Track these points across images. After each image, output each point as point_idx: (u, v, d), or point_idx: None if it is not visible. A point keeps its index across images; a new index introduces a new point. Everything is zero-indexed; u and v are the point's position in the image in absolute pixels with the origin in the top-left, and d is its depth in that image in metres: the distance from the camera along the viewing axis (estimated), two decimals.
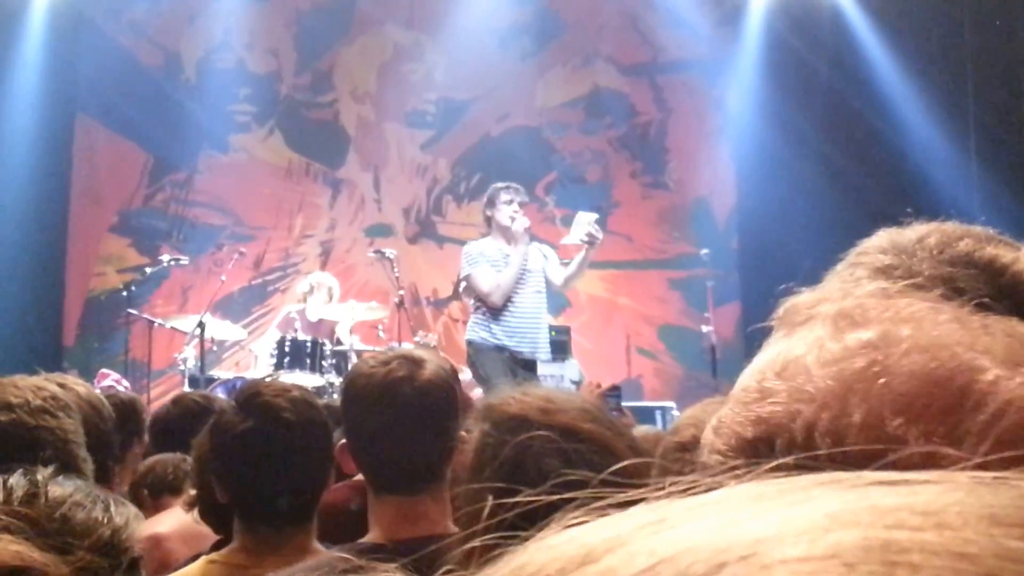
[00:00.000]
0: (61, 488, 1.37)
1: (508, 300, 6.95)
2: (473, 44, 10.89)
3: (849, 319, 0.75)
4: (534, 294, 7.06)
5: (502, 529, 0.47)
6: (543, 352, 7.13)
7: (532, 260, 7.08)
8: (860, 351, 0.71)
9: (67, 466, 1.95)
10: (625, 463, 1.72)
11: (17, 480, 1.34)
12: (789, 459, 0.64)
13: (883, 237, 1.12)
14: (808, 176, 10.35)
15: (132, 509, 1.46)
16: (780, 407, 0.72)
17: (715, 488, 0.36)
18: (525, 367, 6.93)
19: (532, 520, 0.43)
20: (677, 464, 1.96)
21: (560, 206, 11.13)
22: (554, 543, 0.35)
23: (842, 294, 0.84)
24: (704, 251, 9.45)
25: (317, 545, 2.51)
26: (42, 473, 1.38)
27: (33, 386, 2.31)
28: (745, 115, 10.96)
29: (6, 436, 2.14)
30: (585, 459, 1.61)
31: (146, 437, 3.93)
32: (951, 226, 1.08)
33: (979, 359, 0.69)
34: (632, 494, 0.38)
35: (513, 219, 6.92)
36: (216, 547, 2.63)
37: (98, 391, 2.91)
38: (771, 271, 9.64)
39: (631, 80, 11.37)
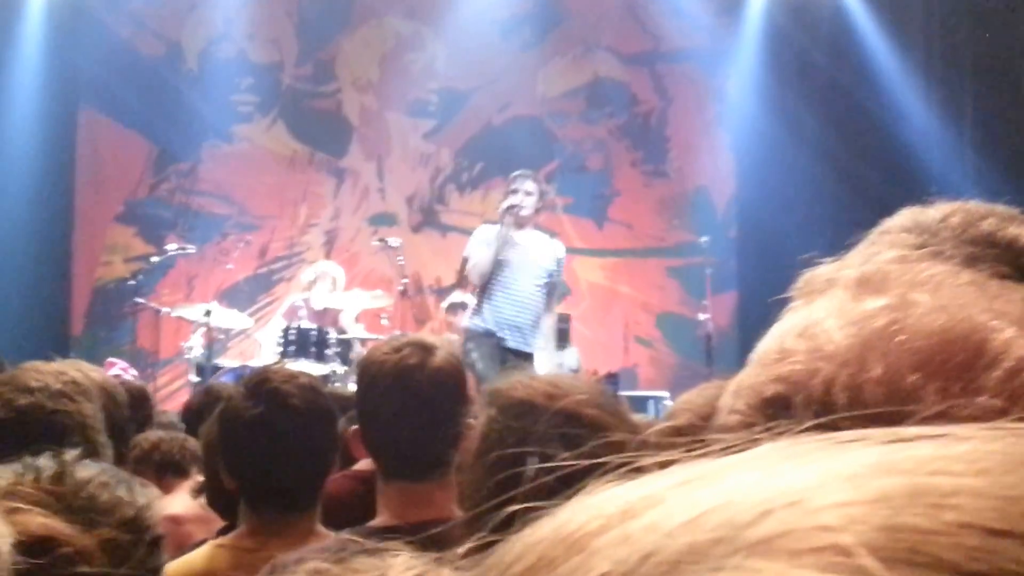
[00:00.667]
0: (87, 469, 1.42)
1: (504, 288, 6.94)
2: (474, 34, 10.92)
3: (869, 284, 0.77)
4: (533, 286, 7.02)
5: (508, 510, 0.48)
6: (532, 345, 7.04)
7: (537, 252, 7.06)
8: (879, 312, 0.73)
9: (86, 450, 2.01)
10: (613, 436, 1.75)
11: (46, 461, 1.40)
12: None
13: (906, 216, 1.12)
14: (807, 165, 10.40)
15: (154, 491, 1.54)
16: (800, 366, 0.74)
17: (748, 448, 0.36)
18: (517, 356, 6.87)
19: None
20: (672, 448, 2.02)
21: (562, 194, 11.18)
22: (594, 502, 0.35)
23: (862, 261, 0.86)
24: (704, 238, 9.49)
25: (321, 529, 2.54)
26: (69, 455, 1.44)
27: (55, 371, 2.34)
28: (745, 104, 10.99)
29: (26, 419, 2.18)
30: (586, 445, 1.66)
31: (154, 426, 3.97)
32: (975, 205, 1.07)
33: (995, 320, 0.71)
34: (664, 457, 0.39)
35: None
36: (223, 533, 2.67)
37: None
38: (769, 260, 9.69)
39: (632, 69, 11.41)
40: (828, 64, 10.55)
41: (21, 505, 1.30)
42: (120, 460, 2.53)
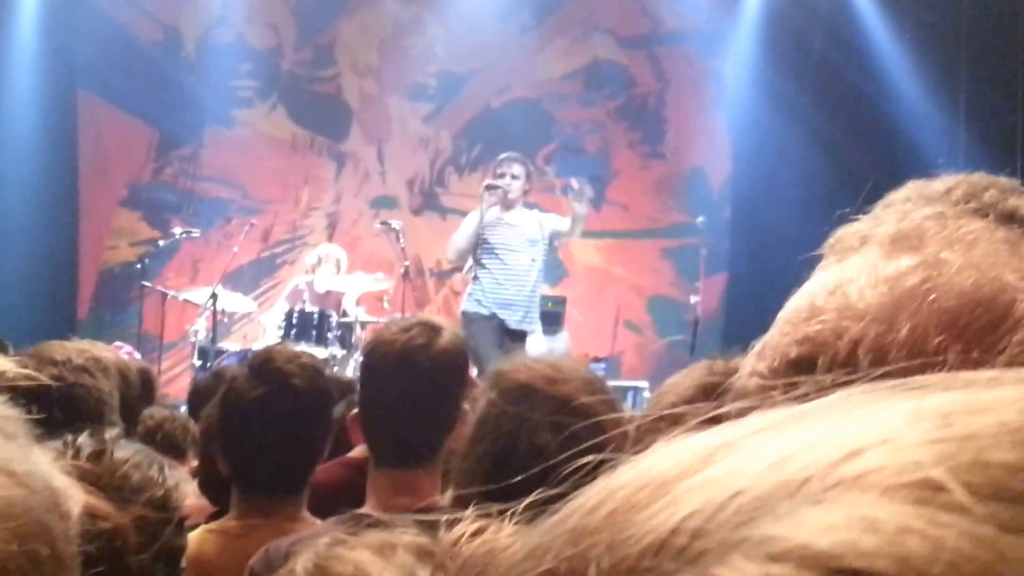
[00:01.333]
0: (124, 450, 1.47)
1: (498, 268, 7.09)
2: (473, 18, 10.97)
3: (905, 241, 0.76)
4: (528, 262, 7.16)
5: (497, 499, 0.48)
6: (532, 324, 7.20)
7: (528, 228, 7.18)
8: (913, 270, 0.72)
9: (98, 425, 2.11)
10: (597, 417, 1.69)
11: (85, 440, 1.44)
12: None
13: (910, 188, 1.12)
14: (802, 147, 10.42)
15: (182, 472, 1.59)
16: (827, 325, 0.73)
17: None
18: (514, 338, 7.03)
19: (527, 491, 0.44)
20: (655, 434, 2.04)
21: (560, 176, 11.20)
22: (669, 451, 0.35)
23: (898, 218, 0.85)
24: (701, 218, 9.52)
25: (308, 515, 2.59)
26: (108, 434, 1.49)
27: (78, 348, 2.43)
28: (742, 86, 11.02)
29: (45, 390, 2.22)
30: (575, 434, 1.65)
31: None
32: (978, 177, 1.07)
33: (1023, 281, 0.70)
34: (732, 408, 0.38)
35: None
36: (213, 518, 2.71)
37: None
38: (761, 242, 9.79)
39: (630, 52, 11.44)
40: (825, 47, 10.55)
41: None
42: (128, 438, 2.59)
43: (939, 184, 1.01)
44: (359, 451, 2.99)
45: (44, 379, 2.08)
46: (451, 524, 0.48)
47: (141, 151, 10.90)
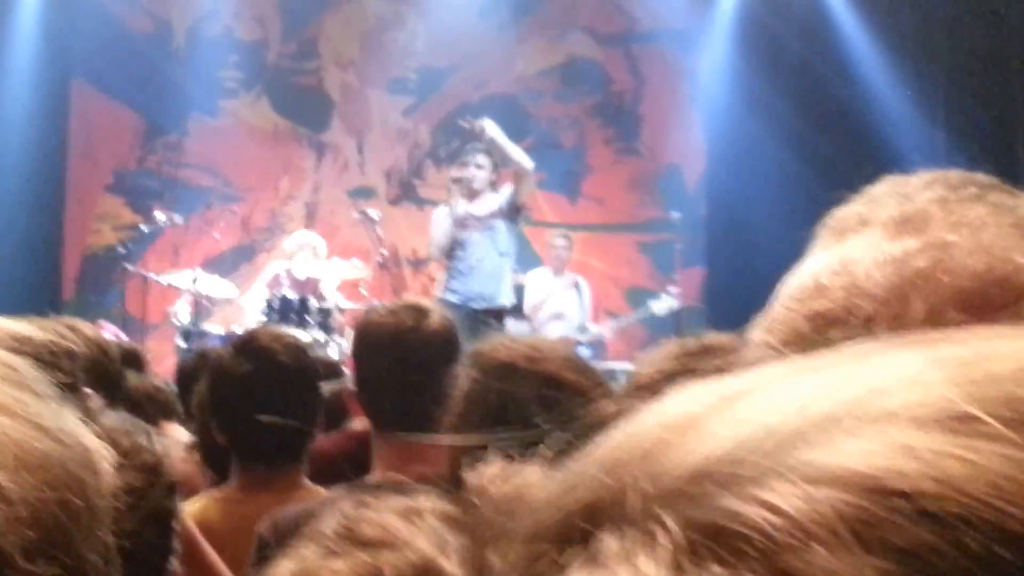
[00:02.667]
0: (109, 418, 1.50)
1: (467, 262, 7.22)
2: (453, 14, 11.11)
3: (909, 223, 0.76)
4: (497, 256, 7.29)
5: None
6: (506, 298, 7.33)
7: (493, 212, 7.30)
8: (921, 252, 0.72)
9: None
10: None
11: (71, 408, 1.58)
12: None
13: (887, 183, 1.09)
14: (777, 145, 10.51)
15: (170, 440, 1.68)
16: (837, 303, 0.72)
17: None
18: (493, 316, 7.15)
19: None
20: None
21: (535, 170, 11.33)
22: (687, 396, 0.36)
23: (900, 200, 0.83)
24: (676, 214, 9.61)
25: (307, 482, 2.64)
26: (93, 402, 1.59)
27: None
28: (717, 84, 11.10)
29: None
30: (564, 408, 1.52)
31: None
32: (955, 173, 1.05)
33: None
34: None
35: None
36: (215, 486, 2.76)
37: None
38: (737, 237, 9.89)
39: (606, 50, 11.56)
40: (799, 45, 10.62)
41: None
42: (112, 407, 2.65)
43: (916, 180, 0.99)
44: (360, 424, 3.04)
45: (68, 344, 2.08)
46: (473, 468, 0.49)
47: (128, 139, 11.04)
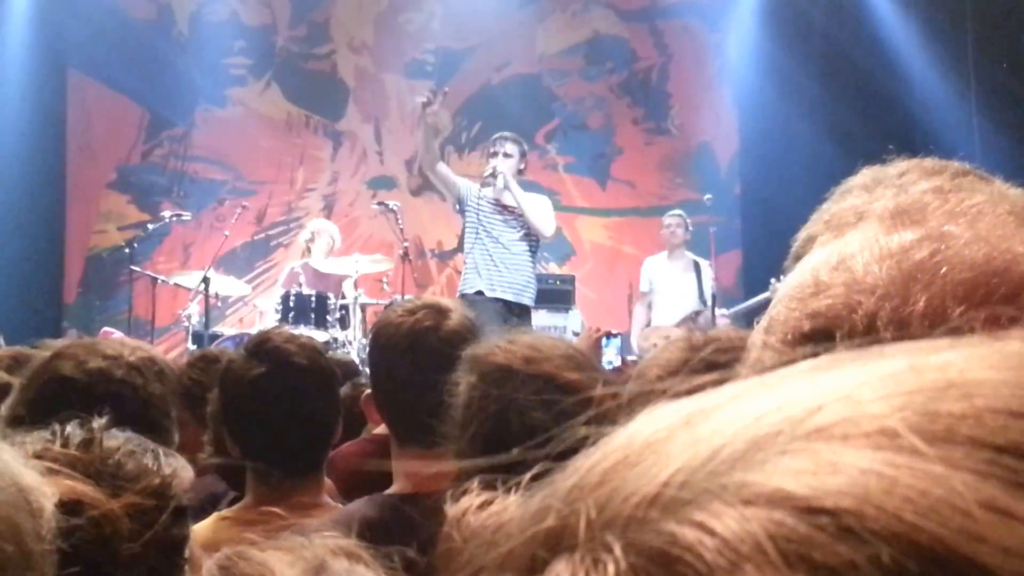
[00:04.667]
0: (114, 438, 1.43)
1: (493, 251, 6.98)
2: None
3: (906, 215, 0.77)
4: (520, 240, 7.03)
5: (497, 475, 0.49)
6: (528, 298, 7.08)
7: (529, 203, 7.03)
8: (919, 244, 0.73)
9: (149, 427, 2.01)
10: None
11: (74, 429, 1.41)
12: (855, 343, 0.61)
13: (866, 174, 1.14)
14: (808, 119, 10.27)
15: (181, 461, 1.51)
16: (838, 300, 0.73)
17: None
18: (517, 313, 6.93)
19: (524, 467, 0.45)
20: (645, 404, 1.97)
21: (562, 153, 11.12)
22: (653, 418, 0.37)
23: (896, 192, 0.86)
24: (707, 196, 9.34)
25: (328, 500, 2.53)
26: (97, 423, 1.44)
27: (133, 345, 2.38)
28: (746, 59, 10.88)
29: (91, 383, 2.20)
30: (566, 410, 1.58)
31: None
32: (930, 162, 1.10)
33: None
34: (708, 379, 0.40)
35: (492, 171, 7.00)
36: (231, 505, 2.62)
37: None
38: (772, 217, 9.61)
39: (631, 25, 11.32)
40: (828, 18, 10.41)
41: (51, 466, 1.31)
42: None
43: (892, 169, 1.04)
44: (383, 428, 2.94)
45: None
46: (456, 498, 0.50)
47: (130, 132, 10.71)
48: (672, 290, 8.72)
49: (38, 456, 1.33)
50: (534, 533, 0.36)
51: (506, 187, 6.90)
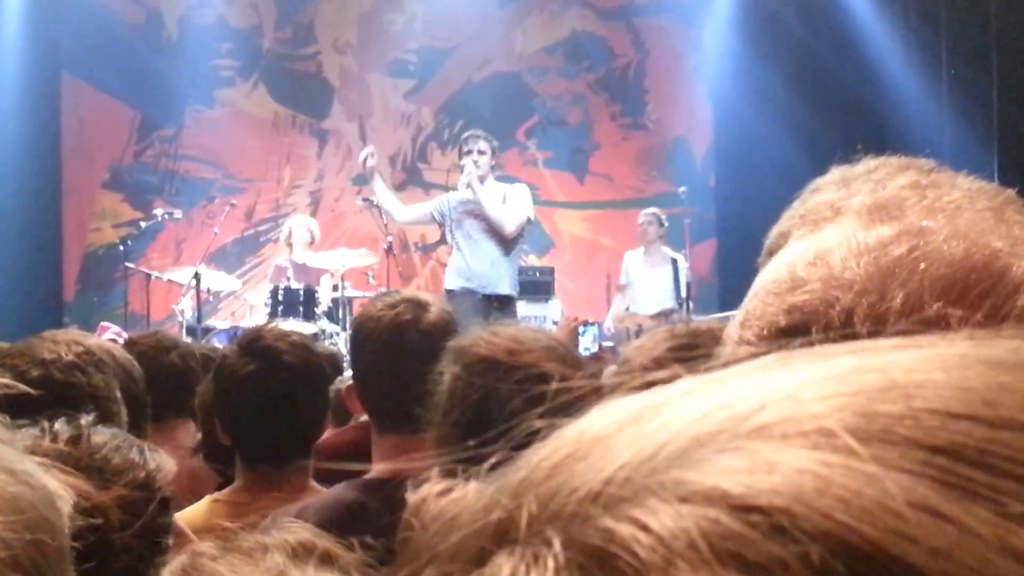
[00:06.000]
0: (101, 434, 1.48)
1: (470, 245, 7.13)
2: None
3: (883, 210, 0.75)
4: (491, 234, 7.15)
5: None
6: (508, 288, 7.21)
7: (491, 203, 7.14)
8: (897, 239, 0.72)
9: (98, 418, 2.02)
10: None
11: (61, 426, 1.45)
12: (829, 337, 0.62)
13: (835, 173, 1.11)
14: (781, 114, 10.37)
15: (163, 455, 1.57)
16: (814, 295, 0.72)
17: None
18: (499, 305, 7.06)
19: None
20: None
21: (541, 149, 11.22)
22: (606, 412, 0.37)
23: (873, 188, 0.84)
24: (682, 189, 9.47)
25: (314, 484, 2.58)
26: (85, 420, 1.49)
27: (68, 341, 2.34)
28: (721, 54, 10.97)
29: (38, 390, 2.19)
30: (545, 399, 1.62)
31: None
32: (896, 159, 1.08)
33: (1015, 246, 0.70)
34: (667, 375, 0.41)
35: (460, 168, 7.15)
36: (219, 489, 2.69)
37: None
38: (747, 207, 9.73)
39: (608, 24, 11.41)
40: (800, 13, 10.50)
41: (43, 461, 1.36)
42: (139, 433, 2.52)
43: (860, 167, 1.02)
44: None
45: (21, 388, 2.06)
46: (418, 486, 0.49)
47: (123, 133, 10.81)
48: (647, 284, 8.91)
49: (30, 452, 1.35)
50: (482, 525, 0.36)
51: (469, 186, 7.05)
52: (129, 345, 3.30)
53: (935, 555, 0.30)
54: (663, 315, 8.44)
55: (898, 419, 0.33)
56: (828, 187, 1.11)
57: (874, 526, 0.30)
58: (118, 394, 2.36)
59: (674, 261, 8.91)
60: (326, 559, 1.05)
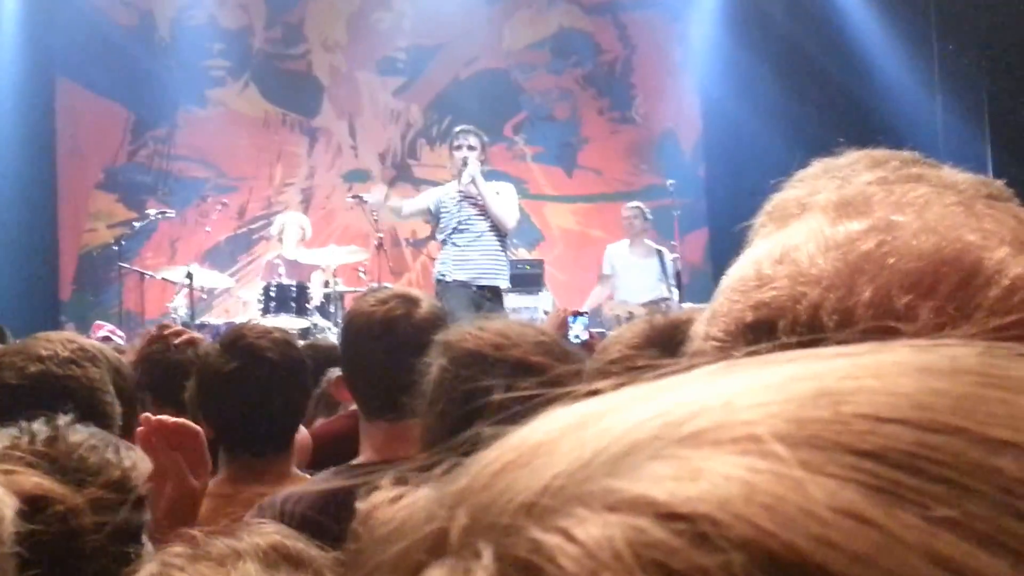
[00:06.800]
0: (78, 433, 1.48)
1: (463, 237, 7.18)
2: None
3: (851, 206, 0.74)
4: (489, 229, 7.22)
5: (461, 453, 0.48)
6: (500, 280, 7.28)
7: (494, 198, 7.22)
8: (865, 234, 0.71)
9: (95, 412, 2.10)
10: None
11: (39, 426, 1.47)
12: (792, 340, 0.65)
13: (818, 165, 1.10)
14: (771, 103, 10.36)
15: (140, 453, 1.58)
16: (782, 291, 0.71)
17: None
18: (490, 296, 7.11)
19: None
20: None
21: (530, 144, 11.23)
22: (551, 418, 0.37)
23: (839, 184, 0.83)
24: (670, 181, 9.48)
25: (296, 471, 2.61)
26: (62, 420, 1.50)
27: (64, 339, 2.40)
28: (708, 46, 10.95)
29: (37, 385, 2.23)
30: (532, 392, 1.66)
31: None
32: (879, 152, 1.07)
33: (985, 239, 0.70)
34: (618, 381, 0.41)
35: (463, 161, 7.19)
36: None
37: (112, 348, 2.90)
38: (737, 195, 9.71)
39: (594, 19, 11.41)
40: (786, 3, 10.49)
41: (17, 467, 1.36)
42: (129, 430, 2.47)
43: (843, 159, 1.00)
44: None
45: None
46: (369, 492, 0.49)
47: (116, 134, 10.81)
48: (634, 274, 8.97)
49: (5, 455, 1.39)
50: (421, 536, 0.35)
51: (472, 182, 7.10)
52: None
53: (857, 561, 0.29)
54: (655, 303, 8.47)
55: (826, 424, 0.32)
56: (809, 178, 1.09)
57: (797, 533, 0.30)
58: (111, 387, 2.39)
59: (659, 252, 8.98)
60: (298, 563, 1.04)
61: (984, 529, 0.30)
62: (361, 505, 0.48)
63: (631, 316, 7.91)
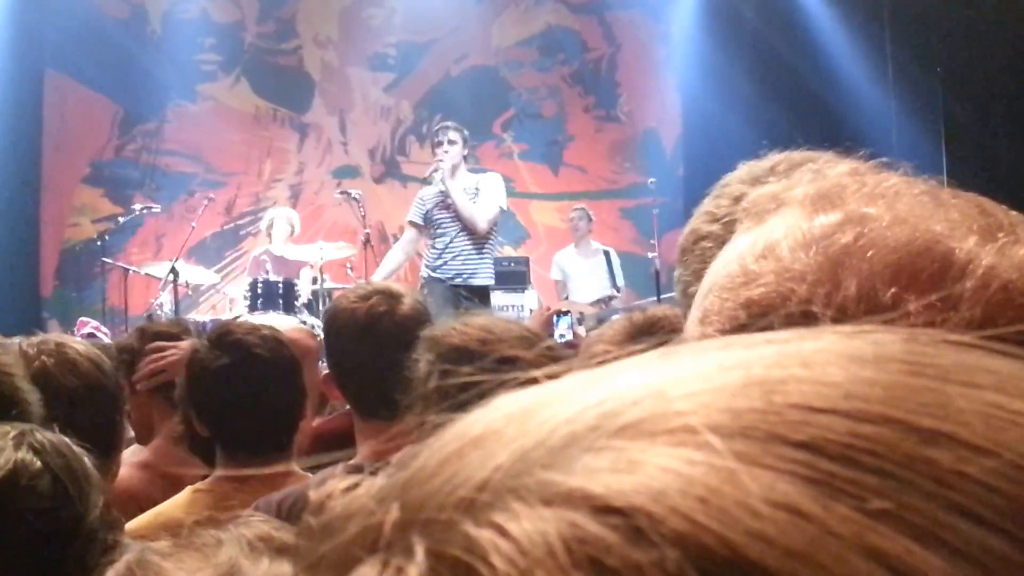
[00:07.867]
0: (45, 439, 1.41)
1: (445, 236, 7.12)
2: None
3: (827, 200, 0.74)
4: (461, 230, 7.15)
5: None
6: (484, 279, 7.18)
7: (462, 199, 7.11)
8: (841, 227, 0.70)
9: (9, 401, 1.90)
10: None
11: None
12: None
13: (743, 169, 1.17)
14: (746, 104, 10.32)
15: (93, 474, 1.45)
16: (769, 288, 0.70)
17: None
18: (476, 295, 7.03)
19: None
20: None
21: (517, 141, 11.15)
22: (495, 407, 0.36)
23: (814, 178, 0.83)
24: (651, 180, 9.42)
25: (298, 470, 2.52)
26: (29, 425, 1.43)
27: (42, 346, 2.30)
28: (690, 45, 10.88)
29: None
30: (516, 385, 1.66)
31: None
32: (799, 153, 1.12)
33: (953, 229, 0.69)
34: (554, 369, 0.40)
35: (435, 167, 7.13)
36: (203, 479, 2.62)
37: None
38: None
39: (581, 18, 11.31)
40: (758, 3, 10.53)
41: None
42: (113, 429, 2.42)
43: (766, 162, 1.04)
44: None
45: None
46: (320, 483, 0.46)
47: (104, 128, 10.51)
48: (584, 276, 8.95)
49: None
50: (361, 529, 0.34)
51: (443, 182, 7.00)
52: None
53: (792, 557, 0.28)
54: (602, 302, 8.47)
55: (759, 414, 0.31)
56: (735, 181, 1.15)
57: (731, 527, 0.29)
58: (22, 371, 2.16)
59: (606, 252, 8.95)
60: (284, 551, 0.99)
61: (919, 522, 0.29)
62: (313, 495, 0.46)
63: (581, 317, 7.91)
